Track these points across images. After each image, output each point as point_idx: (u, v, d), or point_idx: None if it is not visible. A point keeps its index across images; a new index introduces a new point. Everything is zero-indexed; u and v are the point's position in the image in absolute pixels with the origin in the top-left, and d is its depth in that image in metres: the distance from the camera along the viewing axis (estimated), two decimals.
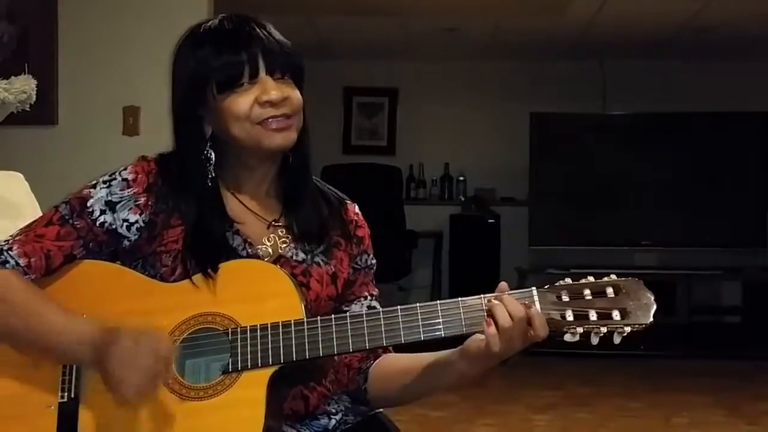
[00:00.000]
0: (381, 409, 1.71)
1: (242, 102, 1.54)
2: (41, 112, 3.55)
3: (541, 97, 7.48)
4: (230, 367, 1.46)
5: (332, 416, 1.63)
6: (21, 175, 2.34)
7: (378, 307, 1.69)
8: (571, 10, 6.14)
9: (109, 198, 1.57)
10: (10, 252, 1.52)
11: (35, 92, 2.46)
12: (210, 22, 1.61)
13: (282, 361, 1.46)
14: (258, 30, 1.58)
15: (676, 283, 6.94)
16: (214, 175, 1.59)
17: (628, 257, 7.06)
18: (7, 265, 1.51)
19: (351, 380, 1.67)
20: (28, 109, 2.47)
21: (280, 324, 1.48)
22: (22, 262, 1.52)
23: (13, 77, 2.43)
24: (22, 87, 2.40)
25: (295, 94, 1.58)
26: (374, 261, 1.74)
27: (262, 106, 1.54)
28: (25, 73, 2.48)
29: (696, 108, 7.07)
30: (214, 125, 1.58)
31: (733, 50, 7.16)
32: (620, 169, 7.01)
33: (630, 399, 5.02)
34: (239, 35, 1.57)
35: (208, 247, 1.56)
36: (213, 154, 1.59)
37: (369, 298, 1.71)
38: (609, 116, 7.35)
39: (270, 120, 1.55)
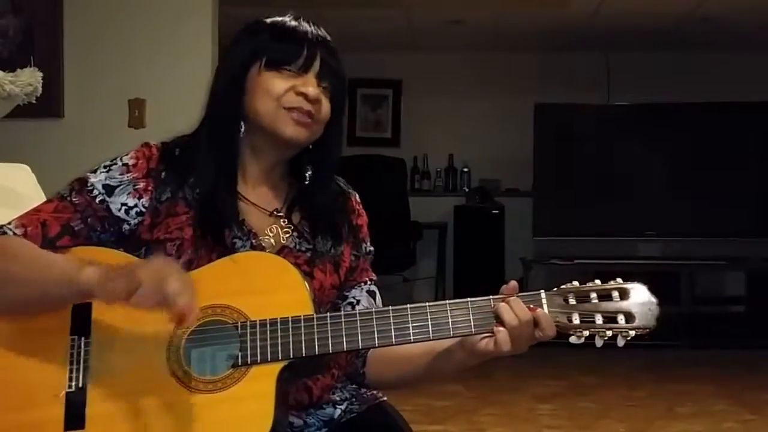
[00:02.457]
0: (385, 398, 1.73)
1: (280, 83, 1.61)
2: (47, 104, 3.57)
3: (545, 88, 7.49)
4: (239, 360, 1.47)
5: (337, 405, 1.65)
6: (27, 167, 2.34)
7: (377, 291, 1.74)
8: (575, 2, 6.15)
9: (108, 182, 1.59)
10: (8, 226, 1.57)
11: (41, 85, 2.47)
12: (278, 17, 1.67)
13: (291, 357, 1.47)
14: (327, 38, 1.66)
15: (679, 274, 6.95)
16: (242, 137, 1.64)
17: (632, 248, 7.07)
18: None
19: (349, 363, 1.70)
20: (35, 102, 2.47)
21: (290, 319, 1.48)
22: (18, 231, 1.55)
23: (19, 70, 2.43)
24: (29, 80, 2.40)
25: (326, 106, 1.64)
26: (372, 248, 1.77)
27: (297, 94, 1.60)
28: (31, 66, 2.49)
29: (700, 98, 7.07)
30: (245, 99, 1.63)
31: (736, 40, 7.16)
32: (624, 159, 7.02)
33: (633, 388, 5.04)
34: (307, 32, 1.65)
35: (216, 216, 1.59)
36: (243, 125, 1.64)
37: (369, 282, 1.74)
38: (613, 107, 7.35)
39: (296, 110, 1.60)
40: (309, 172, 1.68)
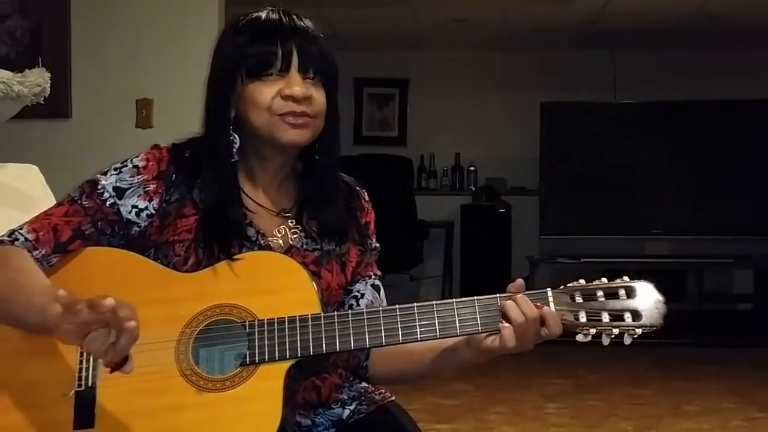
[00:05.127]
0: (393, 398, 1.73)
1: (266, 91, 1.58)
2: (55, 105, 3.58)
3: (551, 86, 7.48)
4: (248, 359, 1.47)
5: (346, 406, 1.66)
6: (36, 168, 2.35)
7: (381, 286, 1.74)
8: (581, 0, 6.14)
9: (118, 184, 1.59)
10: (20, 230, 1.56)
11: (49, 85, 2.47)
12: (254, 14, 1.63)
13: (299, 355, 1.48)
14: (299, 26, 1.60)
15: (687, 272, 6.95)
16: (236, 158, 1.62)
17: (639, 246, 7.06)
18: (17, 243, 1.54)
19: (352, 356, 1.70)
20: (43, 102, 2.48)
21: (298, 318, 1.49)
22: (30, 236, 1.55)
23: (27, 70, 2.42)
24: (37, 80, 2.39)
25: (320, 96, 1.60)
26: (377, 245, 1.77)
27: (284, 99, 1.57)
28: (38, 67, 2.49)
29: (707, 96, 7.06)
30: (237, 111, 1.61)
31: (743, 38, 7.14)
32: (631, 158, 7.00)
33: (640, 387, 5.03)
34: (279, 27, 1.59)
35: (222, 230, 1.58)
36: (237, 138, 1.61)
37: (373, 277, 1.74)
38: (619, 105, 7.34)
39: (289, 115, 1.57)
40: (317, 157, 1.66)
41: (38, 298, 1.44)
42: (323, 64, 1.62)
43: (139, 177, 1.60)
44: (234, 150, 1.61)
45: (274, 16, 1.61)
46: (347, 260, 1.69)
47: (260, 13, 1.63)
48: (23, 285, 1.48)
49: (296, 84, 1.57)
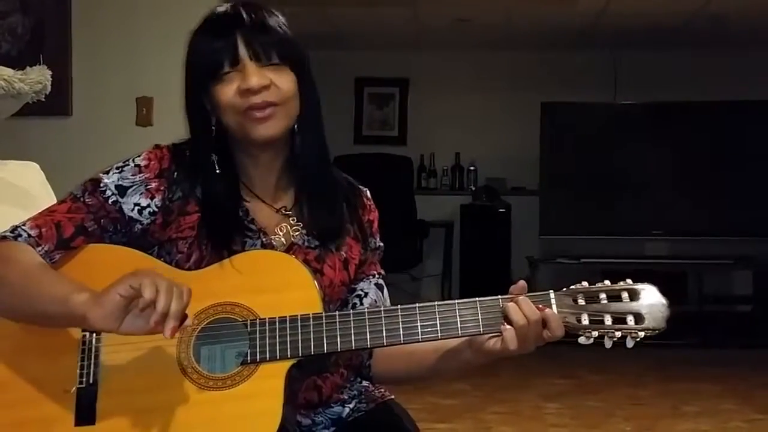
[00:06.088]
0: (392, 396, 1.74)
1: (225, 91, 1.55)
2: (56, 102, 3.57)
3: (552, 86, 7.48)
4: (248, 358, 1.48)
5: (346, 404, 1.66)
6: (36, 165, 2.35)
7: (384, 285, 1.74)
8: (582, 0, 6.14)
9: (120, 182, 1.59)
10: (23, 227, 1.56)
11: (50, 83, 2.47)
12: (208, 14, 1.61)
13: (300, 355, 1.48)
14: (246, 15, 1.56)
15: (686, 273, 6.95)
16: (218, 158, 1.61)
17: (639, 247, 7.06)
18: (20, 239, 1.54)
19: (355, 355, 1.69)
20: (44, 100, 2.48)
21: (299, 317, 1.49)
22: (33, 233, 1.55)
23: (28, 68, 2.43)
24: (38, 78, 2.39)
25: (282, 81, 1.56)
26: (381, 244, 1.76)
27: (242, 95, 1.54)
28: (40, 64, 2.49)
29: (707, 97, 7.05)
30: (217, 116, 1.60)
31: (744, 38, 7.14)
32: (631, 158, 7.00)
33: (640, 387, 5.03)
34: (223, 20, 1.57)
35: (224, 226, 1.59)
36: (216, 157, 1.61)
37: (377, 276, 1.74)
38: (620, 106, 7.33)
39: (252, 110, 1.55)
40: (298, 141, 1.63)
41: (57, 288, 1.45)
42: (278, 47, 1.56)
43: (141, 175, 1.60)
44: (214, 156, 1.60)
45: (222, 9, 1.59)
46: (349, 257, 1.69)
47: (214, 11, 1.61)
48: (36, 277, 1.48)
49: (252, 75, 1.53)
